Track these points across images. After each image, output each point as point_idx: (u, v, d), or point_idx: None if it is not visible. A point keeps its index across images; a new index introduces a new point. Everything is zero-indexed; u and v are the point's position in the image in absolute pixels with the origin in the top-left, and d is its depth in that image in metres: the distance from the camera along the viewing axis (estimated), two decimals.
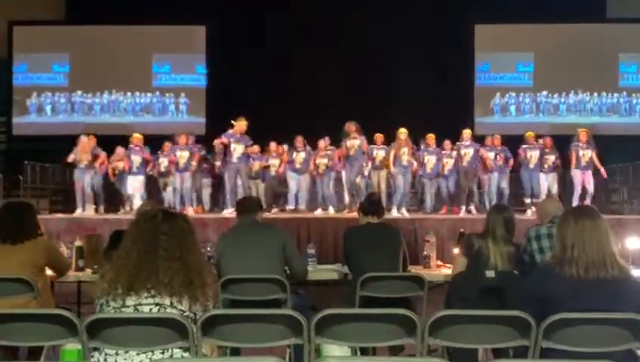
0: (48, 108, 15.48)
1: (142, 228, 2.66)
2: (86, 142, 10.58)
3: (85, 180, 10.50)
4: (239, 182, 10.25)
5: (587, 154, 10.23)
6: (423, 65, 13.89)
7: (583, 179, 10.22)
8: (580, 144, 10.31)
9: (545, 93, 15.32)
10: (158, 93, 15.57)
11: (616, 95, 15.25)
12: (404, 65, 13.84)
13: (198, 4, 14.33)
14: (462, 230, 5.35)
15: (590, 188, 10.23)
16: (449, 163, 10.56)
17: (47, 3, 15.07)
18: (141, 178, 10.59)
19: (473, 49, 15.18)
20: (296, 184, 10.74)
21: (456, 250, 4.75)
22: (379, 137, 10.59)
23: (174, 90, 15.56)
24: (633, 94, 15.24)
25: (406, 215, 10.02)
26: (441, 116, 12.93)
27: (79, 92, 15.47)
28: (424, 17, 14.15)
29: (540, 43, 15.08)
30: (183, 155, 10.39)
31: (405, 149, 10.20)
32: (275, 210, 10.78)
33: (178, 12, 14.42)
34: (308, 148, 10.76)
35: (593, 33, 15.02)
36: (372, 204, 4.85)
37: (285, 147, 11.04)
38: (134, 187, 10.51)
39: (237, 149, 9.96)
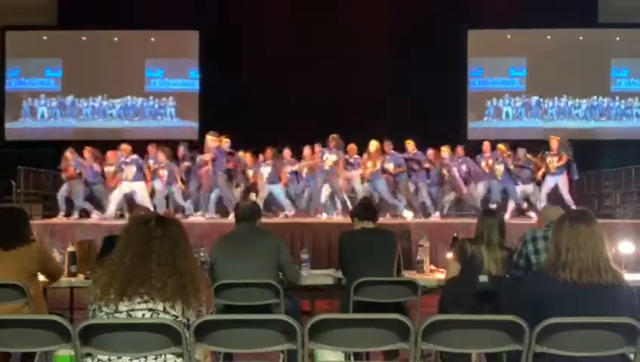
0: (41, 113, 15.41)
1: (135, 233, 2.64)
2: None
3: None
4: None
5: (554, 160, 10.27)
6: (416, 69, 13.89)
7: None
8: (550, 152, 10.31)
9: (537, 97, 15.38)
10: (151, 97, 15.53)
11: (608, 100, 15.32)
12: (398, 70, 13.86)
13: (191, 9, 14.32)
14: (455, 235, 5.35)
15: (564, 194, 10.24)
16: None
17: (40, 8, 15.00)
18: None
19: (466, 54, 15.23)
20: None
21: (449, 255, 4.76)
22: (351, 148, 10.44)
23: (167, 94, 15.53)
24: (625, 99, 15.31)
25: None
26: (434, 120, 12.95)
27: (72, 97, 15.42)
28: (418, 22, 14.16)
29: (532, 48, 15.15)
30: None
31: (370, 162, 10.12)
32: (281, 215, 10.71)
33: (171, 17, 14.40)
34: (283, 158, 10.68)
35: (585, 38, 15.10)
36: (367, 209, 4.85)
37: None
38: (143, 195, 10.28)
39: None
